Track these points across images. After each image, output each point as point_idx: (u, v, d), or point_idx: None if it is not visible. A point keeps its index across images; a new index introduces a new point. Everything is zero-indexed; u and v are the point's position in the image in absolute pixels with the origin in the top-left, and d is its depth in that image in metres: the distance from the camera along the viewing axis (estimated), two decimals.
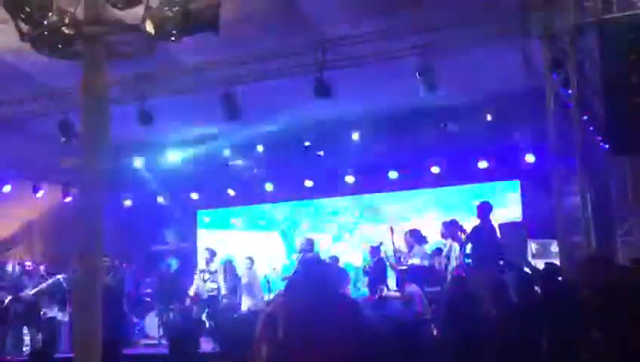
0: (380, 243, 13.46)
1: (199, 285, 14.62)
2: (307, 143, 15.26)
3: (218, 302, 14.39)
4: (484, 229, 11.04)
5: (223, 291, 14.44)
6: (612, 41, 8.96)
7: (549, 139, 10.03)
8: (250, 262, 14.63)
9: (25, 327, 13.84)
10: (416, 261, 12.24)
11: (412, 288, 11.37)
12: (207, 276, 14.58)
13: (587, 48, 9.84)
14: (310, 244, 13.74)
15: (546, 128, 10.00)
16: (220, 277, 14.53)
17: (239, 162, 16.40)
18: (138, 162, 16.46)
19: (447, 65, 10.52)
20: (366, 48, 10.77)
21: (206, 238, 17.97)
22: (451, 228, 11.92)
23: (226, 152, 16.02)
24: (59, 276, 14.07)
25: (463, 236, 11.57)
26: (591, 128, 11.00)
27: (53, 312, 14.19)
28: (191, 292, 14.72)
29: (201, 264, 15.33)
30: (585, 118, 10.21)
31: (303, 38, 10.84)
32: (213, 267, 14.73)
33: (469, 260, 11.40)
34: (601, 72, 9.27)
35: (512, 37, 10.12)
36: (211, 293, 14.48)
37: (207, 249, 15.41)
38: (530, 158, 14.41)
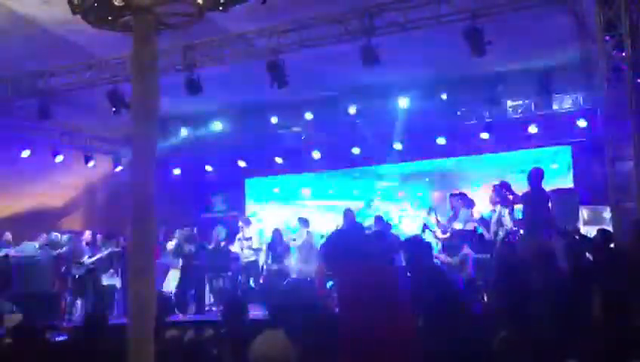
0: (430, 210, 13.46)
1: (239, 253, 14.81)
2: (354, 110, 15.19)
3: (259, 268, 14.58)
4: (535, 195, 10.88)
5: (262, 258, 14.62)
6: None
7: (601, 104, 9.84)
8: (302, 223, 14.71)
9: (81, 294, 14.18)
10: (459, 225, 12.20)
11: (466, 251, 11.36)
12: (245, 243, 14.73)
13: None
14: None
15: (598, 92, 9.80)
16: (254, 240, 14.68)
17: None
18: (186, 131, 16.61)
19: (496, 30, 10.34)
20: (413, 13, 10.65)
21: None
22: (501, 192, 11.80)
23: (274, 120, 16.02)
24: (112, 244, 14.35)
25: (510, 197, 11.46)
26: None
27: (107, 280, 14.49)
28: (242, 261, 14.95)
29: (239, 234, 15.39)
30: (639, 81, 9.96)
31: (350, 4, 10.75)
32: (247, 233, 14.86)
33: (519, 226, 11.30)
34: None
35: None
36: (249, 259, 14.64)
37: (241, 217, 15.57)
38: (582, 123, 14.15)
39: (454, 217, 12.54)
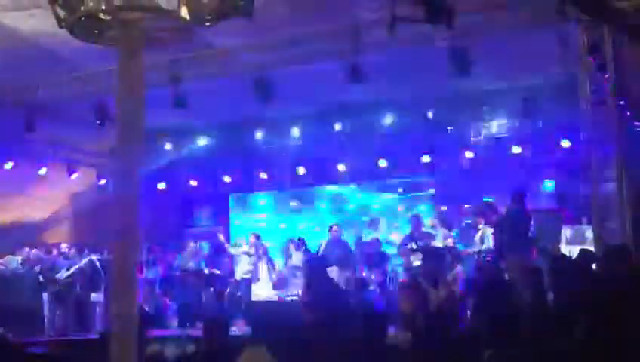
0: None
1: (241, 267, 14.75)
2: (339, 127, 15.24)
3: (250, 284, 14.49)
4: (517, 214, 10.94)
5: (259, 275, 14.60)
6: None
7: (584, 124, 9.92)
8: (300, 244, 14.68)
9: (59, 308, 14.07)
10: (439, 243, 12.32)
11: (456, 270, 11.41)
12: (247, 259, 14.65)
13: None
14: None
15: (582, 113, 9.88)
16: (261, 264, 14.60)
17: None
18: (171, 145, 16.59)
19: (480, 50, 10.41)
20: (400, 32, 10.68)
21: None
22: (484, 211, 11.87)
23: (259, 135, 16.01)
24: (93, 257, 14.27)
25: (493, 216, 11.54)
26: (628, 113, 10.85)
27: (88, 293, 14.39)
28: (237, 276, 14.89)
29: (245, 247, 15.28)
30: (621, 102, 10.07)
31: (337, 22, 10.79)
32: (253, 251, 14.76)
33: (500, 246, 11.33)
34: None
35: (547, 21, 9.99)
36: (246, 276, 14.57)
37: (252, 233, 15.47)
38: (565, 144, 14.23)
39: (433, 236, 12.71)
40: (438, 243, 12.37)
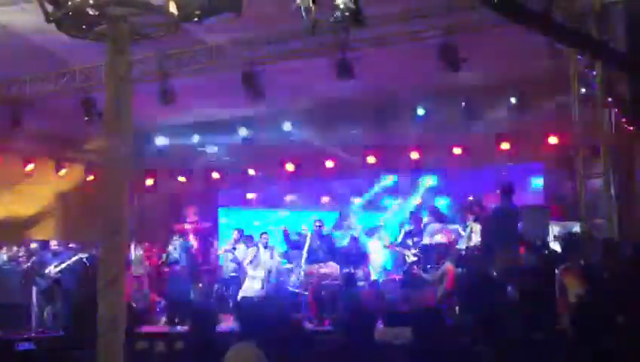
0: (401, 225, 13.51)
1: (226, 265, 14.69)
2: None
3: (239, 282, 14.39)
4: (506, 210, 10.95)
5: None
6: (638, 21, 8.85)
7: (572, 121, 9.95)
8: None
9: (47, 304, 14.01)
10: (427, 240, 12.31)
11: (446, 266, 11.41)
12: (230, 256, 14.58)
13: (613, 28, 9.72)
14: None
15: (570, 110, 9.92)
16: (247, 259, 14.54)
17: None
18: (160, 141, 16.52)
19: (470, 46, 10.42)
20: (389, 28, 10.70)
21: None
22: (472, 207, 11.89)
23: (243, 131, 15.86)
24: (82, 254, 14.20)
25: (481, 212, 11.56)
26: (615, 110, 10.89)
27: (76, 290, 14.31)
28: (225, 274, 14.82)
29: (229, 244, 15.21)
30: (609, 99, 10.10)
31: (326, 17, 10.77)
32: (238, 247, 14.68)
33: (486, 242, 11.35)
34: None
35: None
36: (233, 274, 14.48)
37: (236, 229, 15.39)
38: (553, 140, 14.25)
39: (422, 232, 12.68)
40: (429, 239, 12.37)
